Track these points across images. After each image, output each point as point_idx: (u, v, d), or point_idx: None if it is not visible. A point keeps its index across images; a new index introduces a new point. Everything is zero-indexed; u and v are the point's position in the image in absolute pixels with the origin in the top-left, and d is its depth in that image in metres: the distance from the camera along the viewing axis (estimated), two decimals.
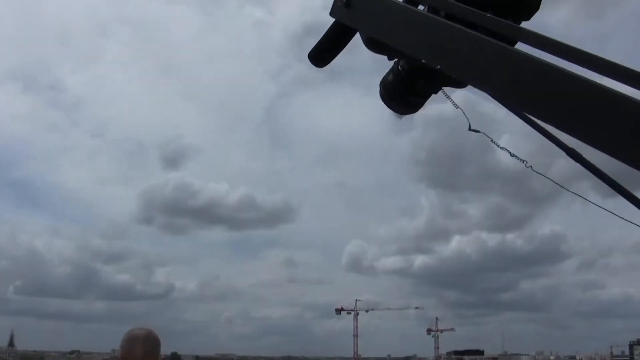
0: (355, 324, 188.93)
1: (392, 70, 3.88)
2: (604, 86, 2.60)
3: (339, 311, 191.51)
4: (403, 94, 3.85)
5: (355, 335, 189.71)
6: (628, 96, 2.53)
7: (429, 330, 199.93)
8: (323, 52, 4.12)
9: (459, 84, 3.66)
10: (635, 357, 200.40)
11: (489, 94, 3.10)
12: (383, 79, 3.93)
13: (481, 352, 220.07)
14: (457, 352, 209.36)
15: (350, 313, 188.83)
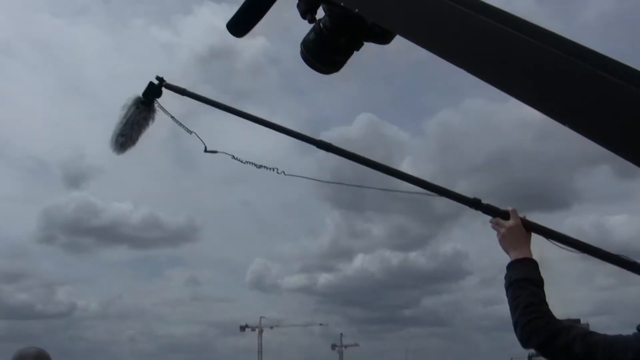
0: (259, 341, 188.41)
1: (313, 28, 3.80)
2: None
3: (243, 328, 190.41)
4: (325, 52, 3.78)
5: (260, 352, 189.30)
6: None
7: (333, 346, 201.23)
8: (242, 21, 4.04)
9: (382, 40, 3.63)
10: None
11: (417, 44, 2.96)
12: (304, 38, 3.85)
13: None
14: None
15: (254, 330, 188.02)
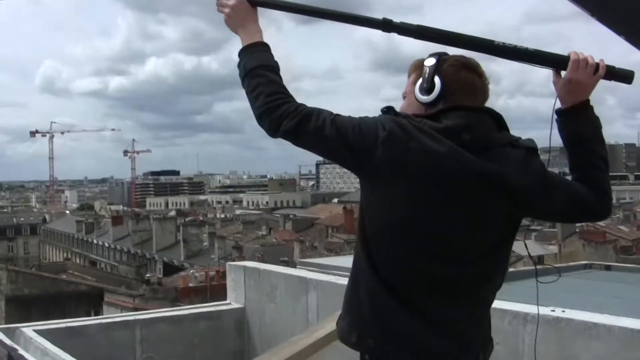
0: (50, 147, 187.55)
1: None
2: None
3: (33, 134, 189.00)
4: None
5: (51, 158, 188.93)
6: None
7: (125, 152, 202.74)
8: None
9: None
10: (321, 175, 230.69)
11: None
12: None
13: (177, 173, 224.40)
14: (153, 173, 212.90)
15: (45, 136, 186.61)
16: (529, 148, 2.58)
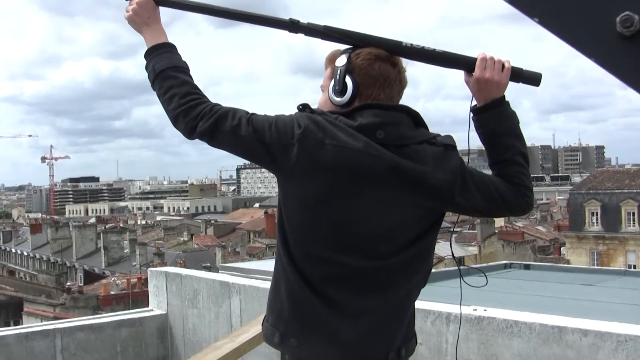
0: None
1: None
2: None
3: None
4: None
5: None
6: None
7: (43, 159, 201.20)
8: None
9: None
10: (242, 180, 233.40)
11: None
12: None
13: (96, 179, 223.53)
14: (72, 180, 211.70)
15: None
16: (447, 145, 2.58)
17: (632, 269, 35.57)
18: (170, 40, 2.81)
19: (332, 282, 2.56)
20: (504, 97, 2.72)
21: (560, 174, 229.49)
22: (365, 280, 2.58)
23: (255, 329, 4.73)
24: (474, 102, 2.74)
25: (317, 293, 2.56)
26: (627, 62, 1.79)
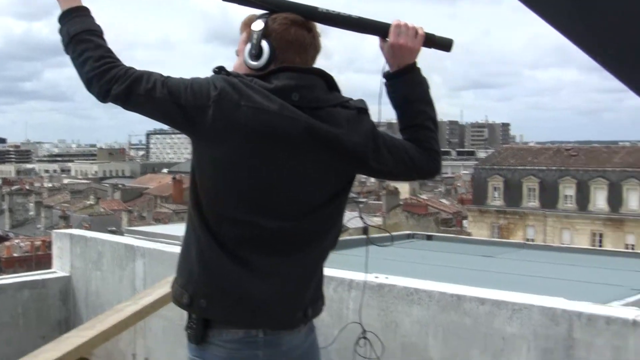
0: None
1: None
2: None
3: None
4: None
5: None
6: None
7: None
8: None
9: None
10: (151, 145, 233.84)
11: None
12: None
13: (3, 140, 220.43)
14: None
15: None
16: (360, 108, 2.64)
17: (531, 242, 36.67)
18: (84, 2, 2.76)
19: (245, 243, 2.60)
20: (415, 63, 2.80)
21: (467, 149, 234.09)
22: (278, 241, 2.62)
23: (158, 292, 4.72)
24: (387, 68, 2.81)
25: (229, 254, 2.59)
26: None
